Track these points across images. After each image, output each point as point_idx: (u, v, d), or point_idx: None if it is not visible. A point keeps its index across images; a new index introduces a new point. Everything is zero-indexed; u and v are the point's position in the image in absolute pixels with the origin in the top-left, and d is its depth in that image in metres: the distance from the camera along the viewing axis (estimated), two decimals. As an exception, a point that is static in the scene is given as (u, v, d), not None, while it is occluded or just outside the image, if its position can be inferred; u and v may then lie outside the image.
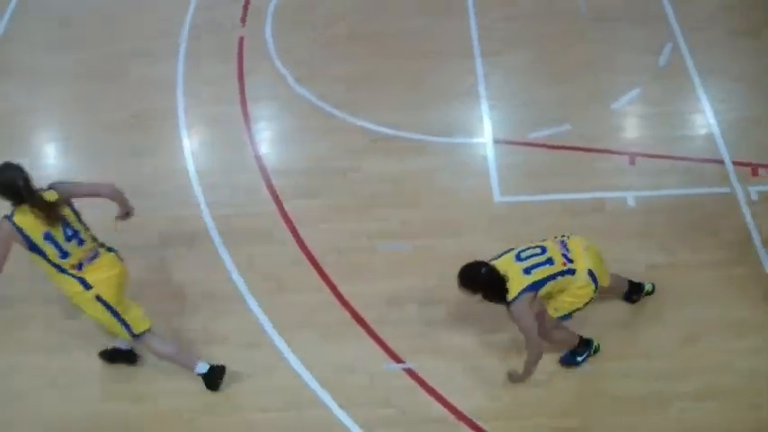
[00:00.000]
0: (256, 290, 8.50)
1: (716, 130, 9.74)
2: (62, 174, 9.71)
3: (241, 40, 11.17)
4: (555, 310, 7.36)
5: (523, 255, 7.15)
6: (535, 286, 7.05)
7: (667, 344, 7.93)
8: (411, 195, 9.28)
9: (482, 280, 7.05)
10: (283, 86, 10.53)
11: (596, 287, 7.28)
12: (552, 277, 7.11)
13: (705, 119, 9.90)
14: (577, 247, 7.26)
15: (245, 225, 9.09)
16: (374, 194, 9.31)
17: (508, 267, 7.08)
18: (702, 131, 9.83)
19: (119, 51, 11.18)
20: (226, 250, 8.86)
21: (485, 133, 9.86)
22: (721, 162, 9.42)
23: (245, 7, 11.60)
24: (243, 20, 11.44)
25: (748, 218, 8.87)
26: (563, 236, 7.41)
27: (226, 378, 7.77)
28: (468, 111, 10.15)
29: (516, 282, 7.03)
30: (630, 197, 9.11)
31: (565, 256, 7.19)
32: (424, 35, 11.11)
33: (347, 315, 8.28)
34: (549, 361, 7.76)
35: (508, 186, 9.30)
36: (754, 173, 9.28)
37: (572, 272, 7.16)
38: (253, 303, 8.39)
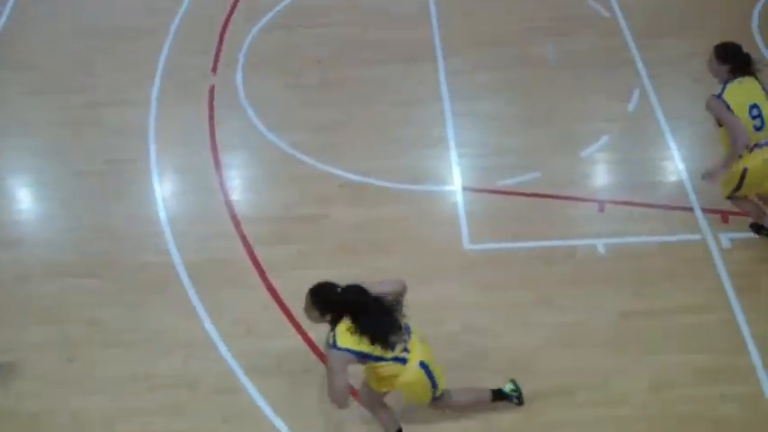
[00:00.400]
0: (227, 335, 8.55)
1: (685, 177, 9.94)
2: (36, 219, 9.91)
3: (212, 87, 11.31)
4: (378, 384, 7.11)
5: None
6: (357, 355, 6.73)
7: (637, 391, 7.99)
8: (381, 242, 9.38)
9: (333, 299, 6.81)
10: (254, 134, 10.66)
11: (434, 388, 7.07)
12: (376, 359, 6.81)
13: (674, 165, 10.09)
14: (415, 338, 6.98)
15: (215, 271, 9.16)
16: (344, 241, 9.41)
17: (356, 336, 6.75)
18: (672, 178, 10.01)
19: (90, 98, 11.32)
20: (196, 296, 8.91)
21: (454, 181, 10.01)
22: (691, 209, 9.58)
23: (216, 56, 11.77)
24: (214, 68, 11.60)
25: (719, 265, 9.00)
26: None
27: (193, 423, 7.78)
28: (437, 158, 10.30)
29: (345, 336, 6.72)
30: (600, 244, 9.23)
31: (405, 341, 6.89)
32: (393, 83, 11.31)
33: (317, 362, 8.29)
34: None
35: (478, 234, 9.41)
36: (725, 219, 9.43)
37: (403, 361, 6.88)
38: (223, 348, 8.43)
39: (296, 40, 11.98)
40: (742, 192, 8.79)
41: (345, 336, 6.68)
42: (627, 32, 11.58)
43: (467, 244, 9.30)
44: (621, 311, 8.61)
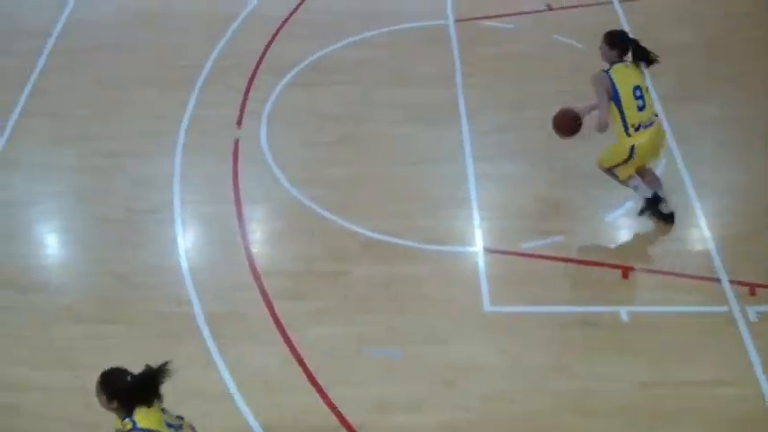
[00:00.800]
0: (244, 388, 8.60)
1: (712, 246, 9.98)
2: (59, 264, 10.11)
3: (237, 141, 11.47)
4: None
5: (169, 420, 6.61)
6: None
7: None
8: (401, 301, 9.46)
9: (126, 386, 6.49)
10: (277, 188, 10.80)
11: None
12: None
13: (701, 234, 10.16)
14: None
15: (235, 323, 9.26)
16: (364, 299, 9.50)
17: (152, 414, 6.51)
18: (698, 247, 10.07)
19: (116, 148, 11.51)
20: (215, 347, 8.99)
21: (476, 242, 10.10)
22: (718, 280, 9.59)
23: (242, 109, 11.97)
24: (239, 122, 11.79)
25: (746, 339, 8.97)
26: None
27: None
28: (459, 218, 10.41)
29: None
30: (624, 312, 9.26)
31: None
32: (417, 141, 11.46)
33: (334, 419, 8.35)
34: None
35: (499, 296, 9.48)
36: (752, 292, 9.41)
37: None
38: (240, 402, 8.48)
39: (320, 97, 12.17)
40: (627, 167, 9.62)
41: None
42: (653, 96, 11.74)
43: (487, 306, 9.36)
44: (641, 381, 8.59)
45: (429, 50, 12.56)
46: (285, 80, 12.41)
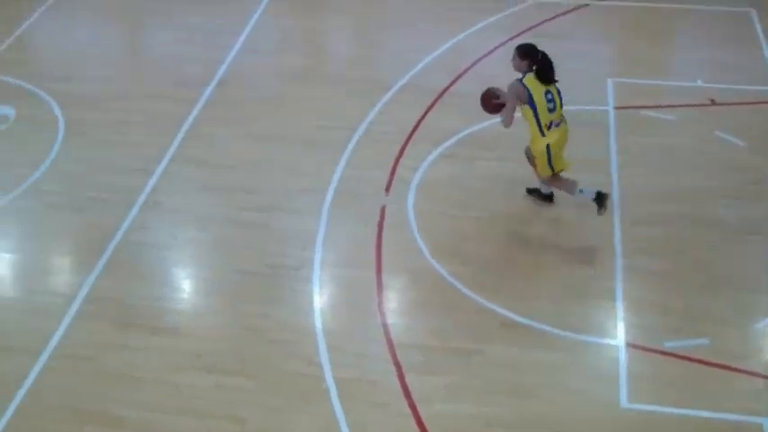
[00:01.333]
0: (369, 459, 8.68)
1: None
2: (194, 310, 10.45)
3: (383, 207, 11.64)
4: None
5: None
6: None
7: None
8: (533, 387, 9.40)
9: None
10: (419, 259, 10.90)
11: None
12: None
13: None
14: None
15: (364, 391, 9.34)
16: (495, 380, 9.47)
17: None
18: None
19: (263, 202, 11.87)
20: (342, 412, 9.08)
21: (617, 335, 9.98)
22: None
23: (391, 175, 12.16)
24: (387, 188, 11.97)
25: None
26: None
27: None
28: (602, 309, 10.32)
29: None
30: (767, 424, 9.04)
31: None
32: (564, 228, 11.43)
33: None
34: None
35: (637, 394, 9.33)
36: None
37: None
38: (364, 472, 8.56)
39: (471, 171, 12.28)
40: (558, 164, 10.88)
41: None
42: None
43: (624, 402, 9.22)
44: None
45: (586, 135, 12.55)
46: (438, 151, 12.58)
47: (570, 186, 11.09)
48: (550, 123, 10.69)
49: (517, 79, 10.61)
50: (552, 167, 10.91)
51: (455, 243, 11.15)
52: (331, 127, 12.81)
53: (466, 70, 14.37)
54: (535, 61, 10.56)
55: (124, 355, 9.83)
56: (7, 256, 11.50)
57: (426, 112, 13.40)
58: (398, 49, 15.34)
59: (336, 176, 12.19)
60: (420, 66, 14.62)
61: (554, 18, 15.96)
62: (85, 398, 9.38)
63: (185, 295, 10.77)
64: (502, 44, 14.96)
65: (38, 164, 12.79)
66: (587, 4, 16.39)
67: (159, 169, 12.50)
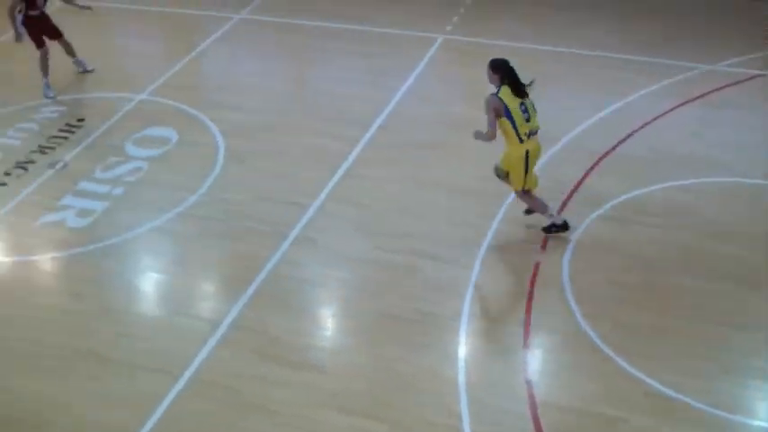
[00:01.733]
0: None
1: None
2: (336, 349, 10.63)
3: (537, 264, 11.64)
4: None
5: None
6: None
7: None
8: (679, 465, 9.22)
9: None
10: (569, 320, 10.83)
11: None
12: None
13: None
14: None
15: (505, 450, 9.31)
16: (640, 453, 9.32)
17: None
18: None
19: (418, 246, 12.02)
20: (481, 468, 9.07)
21: (769, 418, 9.74)
22: None
23: (547, 234, 12.09)
24: (543, 245, 11.95)
25: None
26: None
27: None
28: (753, 389, 10.04)
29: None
30: None
31: None
32: (723, 300, 11.15)
33: None
34: None
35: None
36: None
37: None
38: None
39: (631, 236, 12.15)
40: (530, 177, 11.66)
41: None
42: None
43: (774, 492, 9.00)
44: None
45: (747, 208, 12.33)
46: (597, 213, 12.51)
47: (542, 207, 11.98)
48: (528, 132, 11.40)
49: (492, 93, 11.32)
50: (525, 180, 11.66)
51: (608, 306, 11.03)
52: (490, 178, 12.86)
53: (632, 133, 14.27)
54: (506, 75, 11.28)
55: (263, 387, 10.03)
56: (155, 275, 11.92)
57: (588, 172, 13.35)
58: (565, 105, 15.33)
59: (492, 228, 12.24)
60: (586, 124, 14.63)
61: (725, 87, 15.74)
62: (221, 426, 9.60)
63: (329, 333, 10.96)
64: (671, 109, 14.84)
65: (195, 188, 13.24)
66: (762, 75, 16.10)
67: (315, 205, 12.79)
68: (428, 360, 10.33)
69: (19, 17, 15.58)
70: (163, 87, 16.31)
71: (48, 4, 16.07)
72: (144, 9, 19.93)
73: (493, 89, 11.30)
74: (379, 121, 14.69)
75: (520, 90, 11.27)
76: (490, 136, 11.36)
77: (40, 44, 16.02)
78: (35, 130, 15.23)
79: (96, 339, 10.74)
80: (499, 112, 11.21)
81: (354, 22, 18.28)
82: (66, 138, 14.83)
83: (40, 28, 15.95)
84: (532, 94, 11.40)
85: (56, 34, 16.32)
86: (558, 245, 11.95)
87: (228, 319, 10.89)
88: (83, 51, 17.03)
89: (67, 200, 13.25)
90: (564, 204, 12.67)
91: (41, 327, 10.99)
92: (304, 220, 12.49)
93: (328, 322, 11.13)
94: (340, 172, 13.48)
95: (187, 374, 10.17)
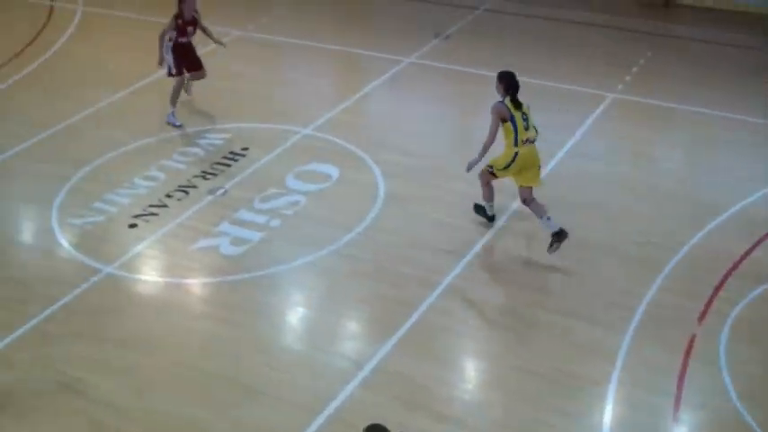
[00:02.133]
0: None
1: None
2: (475, 402, 10.52)
3: (693, 337, 11.32)
4: None
5: None
6: None
7: None
8: None
9: None
10: (723, 398, 10.46)
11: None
12: None
13: None
14: None
15: None
16: None
17: None
18: None
19: (570, 306, 11.87)
20: None
21: None
22: None
23: (707, 306, 11.81)
24: (701, 318, 11.61)
25: None
26: None
27: None
28: None
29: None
30: None
31: None
32: None
33: None
34: None
35: None
36: None
37: None
38: None
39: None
40: (506, 172, 12.88)
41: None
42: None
43: None
44: None
45: None
46: (762, 288, 12.13)
47: (489, 195, 13.35)
48: (526, 140, 12.64)
49: (498, 101, 12.65)
50: (504, 171, 12.89)
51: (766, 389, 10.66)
52: (651, 243, 12.64)
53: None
54: (510, 86, 12.63)
55: (405, 435, 10.00)
56: (301, 310, 12.09)
57: (756, 245, 12.96)
58: (733, 173, 15.02)
59: (648, 296, 11.98)
60: (756, 195, 14.25)
61: None
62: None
63: (471, 386, 10.89)
64: None
65: (352, 227, 13.37)
66: None
67: (470, 253, 12.75)
68: (573, 425, 10.16)
69: (168, 44, 16.01)
70: (328, 123, 16.55)
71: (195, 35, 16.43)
72: (317, 46, 20.33)
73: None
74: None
75: (518, 102, 12.57)
76: (489, 142, 12.69)
77: (179, 72, 16.40)
78: (200, 155, 15.62)
79: (241, 367, 10.90)
80: (504, 117, 12.54)
81: (525, 74, 18.26)
82: (228, 165, 15.15)
83: (184, 56, 16.34)
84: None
85: (197, 66, 16.66)
86: (716, 320, 11.60)
87: (373, 362, 10.91)
88: (255, 83, 17.43)
89: (224, 227, 13.52)
90: (726, 277, 12.31)
91: (189, 349, 11.23)
92: (458, 269, 12.48)
93: (473, 374, 11.07)
94: (498, 224, 13.41)
95: (324, 414, 10.18)
